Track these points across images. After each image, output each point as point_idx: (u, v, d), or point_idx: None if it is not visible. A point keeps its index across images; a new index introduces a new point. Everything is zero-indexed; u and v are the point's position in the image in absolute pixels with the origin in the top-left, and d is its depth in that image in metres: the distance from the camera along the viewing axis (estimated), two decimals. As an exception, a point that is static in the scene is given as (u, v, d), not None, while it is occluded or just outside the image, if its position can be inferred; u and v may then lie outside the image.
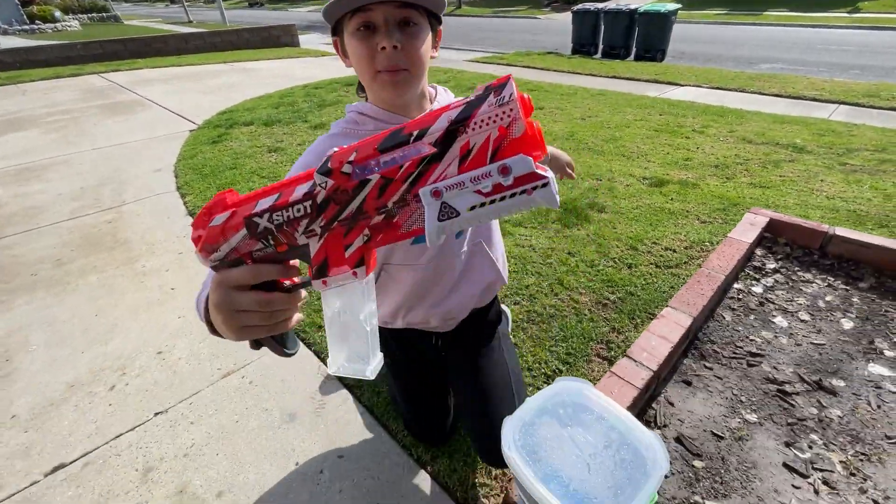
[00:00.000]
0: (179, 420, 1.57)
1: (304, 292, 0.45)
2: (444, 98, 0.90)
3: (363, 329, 0.40)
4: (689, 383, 1.59)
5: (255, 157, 3.93)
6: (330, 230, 0.37)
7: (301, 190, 0.37)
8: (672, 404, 1.51)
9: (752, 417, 1.46)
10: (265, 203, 0.38)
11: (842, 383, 1.56)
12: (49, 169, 3.88)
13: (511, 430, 0.85)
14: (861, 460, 1.32)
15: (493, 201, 0.31)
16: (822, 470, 1.29)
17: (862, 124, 4.30)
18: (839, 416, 1.45)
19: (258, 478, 1.37)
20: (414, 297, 1.02)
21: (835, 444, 1.37)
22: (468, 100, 0.32)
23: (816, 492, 1.24)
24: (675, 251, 2.38)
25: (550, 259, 2.36)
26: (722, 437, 1.40)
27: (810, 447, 1.36)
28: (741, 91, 5.69)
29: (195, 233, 0.42)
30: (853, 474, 1.28)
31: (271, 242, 0.39)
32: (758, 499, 1.23)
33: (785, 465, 1.31)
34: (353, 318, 0.40)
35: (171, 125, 5.02)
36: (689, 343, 1.72)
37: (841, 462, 1.32)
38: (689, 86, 6.05)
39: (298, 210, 0.37)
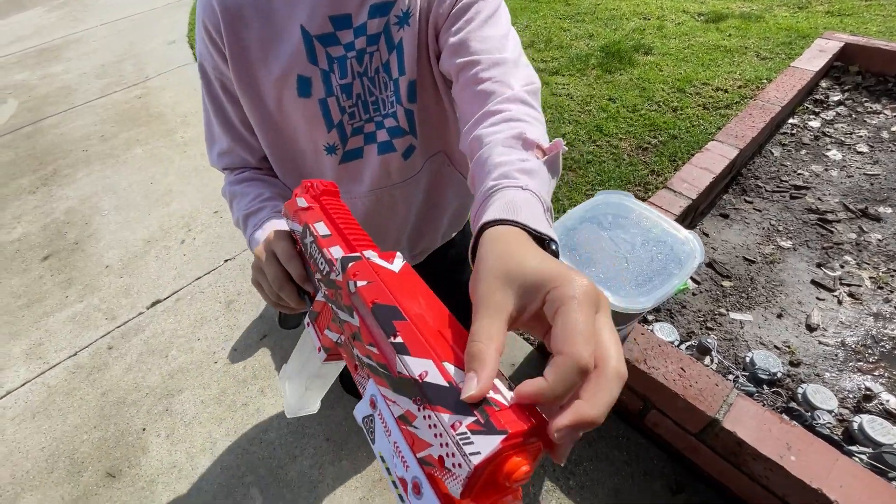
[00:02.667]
0: (246, 264, 1.76)
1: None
2: None
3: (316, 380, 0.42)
4: (726, 216, 1.60)
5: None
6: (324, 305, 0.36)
7: (336, 252, 0.34)
8: (707, 234, 1.55)
9: (787, 244, 1.49)
10: (319, 230, 0.37)
11: (889, 210, 1.54)
12: (65, 48, 3.79)
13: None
14: (892, 275, 1.36)
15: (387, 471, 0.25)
16: (849, 285, 1.35)
17: None
18: (878, 240, 1.46)
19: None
20: (370, 230, 0.72)
21: (868, 264, 1.40)
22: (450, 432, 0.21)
23: (840, 302, 1.32)
24: (726, 91, 2.20)
25: (589, 106, 2.24)
26: (753, 262, 1.45)
27: (842, 266, 1.40)
28: None
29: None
30: (881, 287, 1.34)
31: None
32: (780, 309, 1.32)
33: (813, 282, 1.37)
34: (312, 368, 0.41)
35: (174, -9, 4.64)
36: (732, 178, 1.69)
37: (871, 278, 1.36)
38: None
39: (322, 265, 0.36)
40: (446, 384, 0.22)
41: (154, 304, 1.67)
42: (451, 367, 0.23)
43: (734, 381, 1.08)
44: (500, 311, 0.25)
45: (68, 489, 1.21)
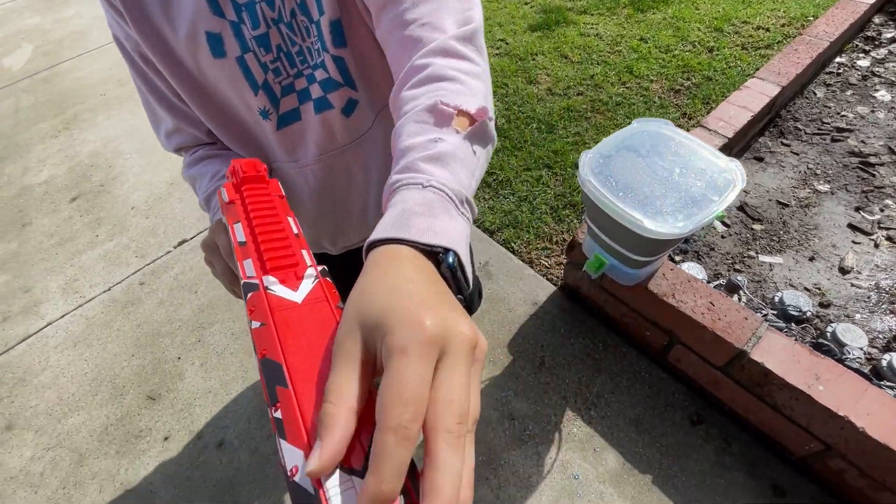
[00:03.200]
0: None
1: None
2: None
3: None
4: (760, 159, 1.54)
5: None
6: None
7: (248, 270, 0.30)
8: (739, 178, 1.50)
9: (824, 187, 1.44)
10: (237, 235, 0.33)
11: (937, 153, 1.46)
12: (75, -9, 3.69)
13: (588, 160, 0.89)
14: (934, 220, 1.31)
15: None
16: (888, 228, 1.31)
17: None
18: (923, 184, 1.39)
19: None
20: (329, 205, 0.66)
21: (909, 208, 1.35)
22: None
23: (876, 245, 1.28)
24: (768, 30, 2.06)
25: (619, 47, 2.12)
26: (787, 205, 1.41)
27: (882, 210, 1.35)
28: None
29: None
30: (921, 231, 1.29)
31: None
32: (813, 252, 1.29)
33: (850, 225, 1.33)
34: None
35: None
36: (770, 120, 1.61)
37: (911, 222, 1.31)
38: None
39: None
40: (312, 491, 0.19)
41: (181, 243, 1.70)
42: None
43: (763, 316, 1.08)
44: (350, 361, 0.22)
45: (112, 410, 1.29)
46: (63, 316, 1.53)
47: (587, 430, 1.10)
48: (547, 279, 1.40)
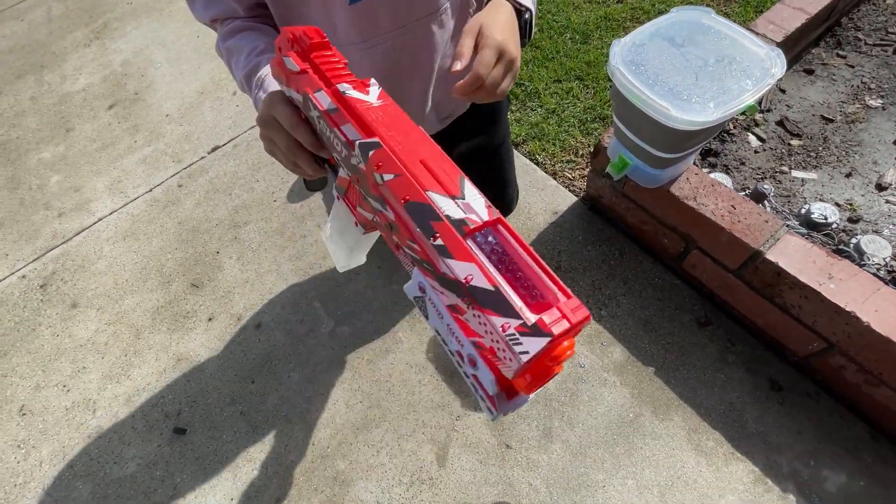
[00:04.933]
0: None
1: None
2: None
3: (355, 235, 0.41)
4: (810, 72, 1.44)
5: None
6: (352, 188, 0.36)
7: (350, 134, 0.31)
8: (783, 91, 1.42)
9: (876, 103, 1.35)
10: (322, 103, 0.33)
11: None
12: None
13: (619, 49, 0.87)
14: None
15: (451, 354, 0.27)
16: (938, 146, 1.24)
17: None
18: None
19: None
20: (390, 90, 0.59)
21: (967, 125, 1.26)
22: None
23: (922, 163, 1.22)
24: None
25: (669, -52, 1.94)
26: (831, 121, 1.34)
27: (935, 127, 1.27)
28: None
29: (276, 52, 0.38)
30: (975, 149, 1.22)
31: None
32: (851, 169, 1.24)
33: (896, 142, 1.26)
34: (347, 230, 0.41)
35: None
36: (828, 28, 1.48)
37: (966, 139, 1.24)
38: None
39: (338, 146, 0.33)
40: (492, 288, 0.22)
41: (214, 149, 1.77)
42: (493, 271, 0.23)
43: (786, 223, 1.07)
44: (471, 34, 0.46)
45: (161, 294, 1.42)
46: (112, 213, 1.65)
47: (596, 327, 1.16)
48: (569, 190, 1.40)
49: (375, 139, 0.29)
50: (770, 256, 0.93)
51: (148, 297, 1.43)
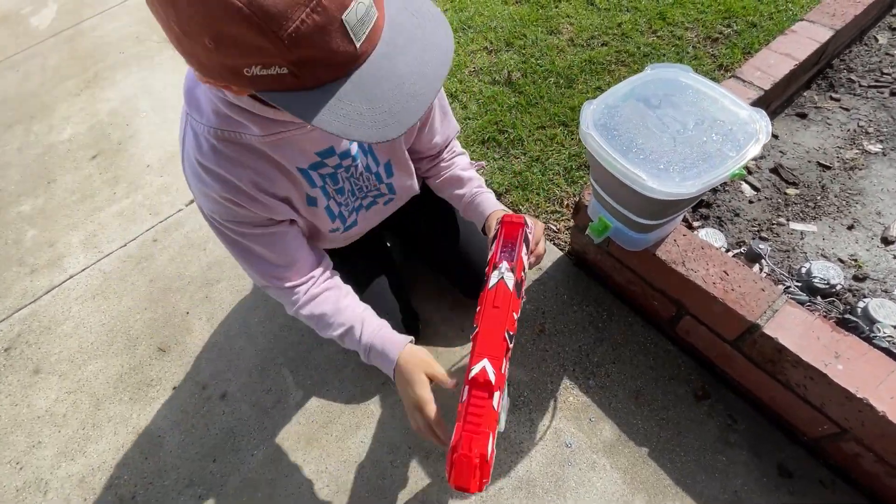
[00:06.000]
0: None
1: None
2: None
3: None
4: (803, 116, 1.38)
5: None
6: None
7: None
8: (776, 137, 1.35)
9: (875, 148, 1.28)
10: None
11: None
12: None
13: (591, 112, 0.81)
14: None
15: None
16: (946, 195, 1.16)
17: None
18: None
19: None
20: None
21: (975, 172, 1.18)
22: None
23: (930, 214, 1.14)
24: (829, -33, 1.80)
25: (653, -10, 1.92)
26: (829, 168, 1.27)
27: (941, 174, 1.19)
28: None
29: None
30: None
31: None
32: (853, 220, 1.16)
33: (900, 191, 1.19)
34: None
35: None
36: (819, 71, 1.43)
37: (976, 188, 1.16)
38: None
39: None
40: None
41: (192, 201, 1.72)
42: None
43: (785, 289, 0.98)
44: None
45: (126, 359, 1.35)
46: (83, 269, 1.60)
47: (584, 400, 1.06)
48: (554, 244, 1.33)
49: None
50: (768, 331, 0.84)
51: (112, 361, 1.35)
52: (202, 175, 0.66)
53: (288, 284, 0.80)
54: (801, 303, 0.98)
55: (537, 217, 1.40)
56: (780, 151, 1.32)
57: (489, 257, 0.79)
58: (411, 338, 0.83)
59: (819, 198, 1.22)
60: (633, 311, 1.17)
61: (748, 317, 0.86)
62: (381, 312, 0.88)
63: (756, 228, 1.20)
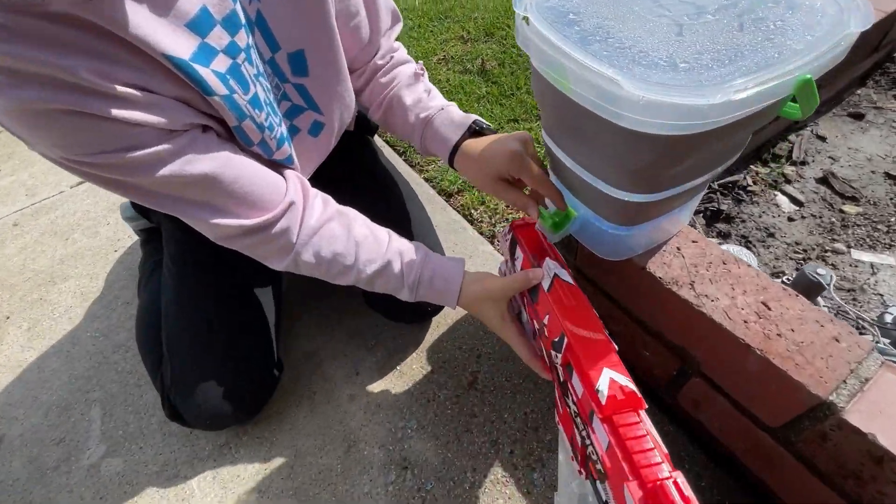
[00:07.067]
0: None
1: None
2: None
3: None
4: (859, 117, 1.03)
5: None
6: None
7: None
8: (822, 139, 1.00)
9: (967, 159, 0.91)
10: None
11: None
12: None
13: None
14: None
15: None
16: None
17: None
18: None
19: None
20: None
21: None
22: None
23: None
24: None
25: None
26: (901, 181, 0.90)
27: None
28: None
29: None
30: None
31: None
32: (950, 253, 0.77)
33: None
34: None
35: None
36: (876, 64, 1.10)
37: None
38: None
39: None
40: None
41: (80, 183, 1.39)
42: None
43: (875, 343, 0.58)
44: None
45: None
46: (-85, 253, 1.24)
47: (523, 506, 0.64)
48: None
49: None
50: (852, 418, 0.44)
51: None
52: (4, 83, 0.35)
53: (263, 219, 0.51)
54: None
55: (493, 229, 1.03)
56: (831, 157, 0.96)
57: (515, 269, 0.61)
58: (462, 258, 0.63)
59: (891, 218, 0.84)
60: (614, 363, 0.77)
61: (811, 387, 0.46)
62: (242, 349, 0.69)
63: (801, 255, 0.81)
